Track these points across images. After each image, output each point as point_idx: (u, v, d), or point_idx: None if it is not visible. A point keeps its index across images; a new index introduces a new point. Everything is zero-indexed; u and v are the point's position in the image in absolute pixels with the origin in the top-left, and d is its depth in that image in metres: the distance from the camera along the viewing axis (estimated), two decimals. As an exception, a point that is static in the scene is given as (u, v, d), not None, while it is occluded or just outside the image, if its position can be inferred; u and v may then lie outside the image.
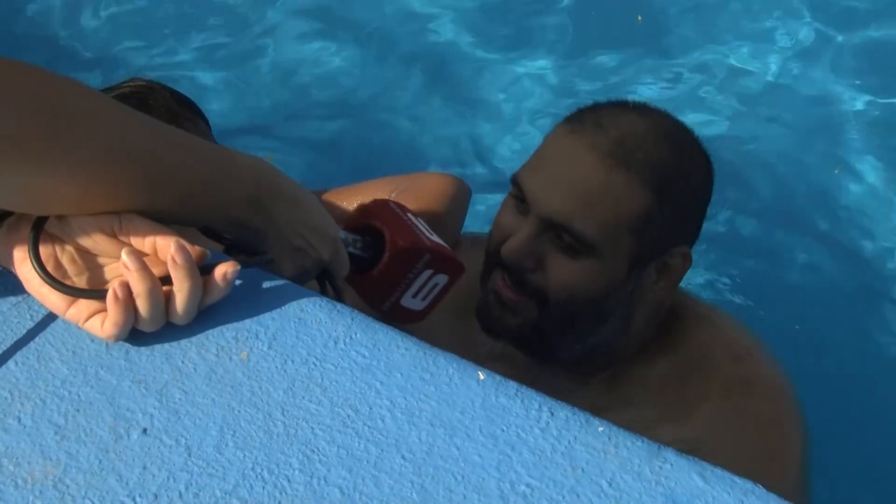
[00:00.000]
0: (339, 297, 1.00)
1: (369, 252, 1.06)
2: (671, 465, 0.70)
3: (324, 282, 0.99)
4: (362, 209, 1.11)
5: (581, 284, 1.17)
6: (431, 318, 1.16)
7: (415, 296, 1.09)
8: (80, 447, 0.72)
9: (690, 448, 1.20)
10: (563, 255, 1.16)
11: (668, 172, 1.17)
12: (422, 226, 1.11)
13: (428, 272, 1.08)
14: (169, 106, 1.38)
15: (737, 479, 0.70)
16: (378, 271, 1.05)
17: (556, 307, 1.19)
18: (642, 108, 1.23)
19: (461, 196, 1.51)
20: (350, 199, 1.46)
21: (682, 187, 1.19)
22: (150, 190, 0.77)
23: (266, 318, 0.81)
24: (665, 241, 1.20)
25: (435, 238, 1.10)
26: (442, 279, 1.10)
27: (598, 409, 1.25)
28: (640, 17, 2.52)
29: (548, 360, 1.28)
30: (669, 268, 1.23)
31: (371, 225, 1.07)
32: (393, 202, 1.13)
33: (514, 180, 1.20)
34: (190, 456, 0.71)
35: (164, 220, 0.79)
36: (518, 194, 1.19)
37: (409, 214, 1.11)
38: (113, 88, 1.43)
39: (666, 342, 1.29)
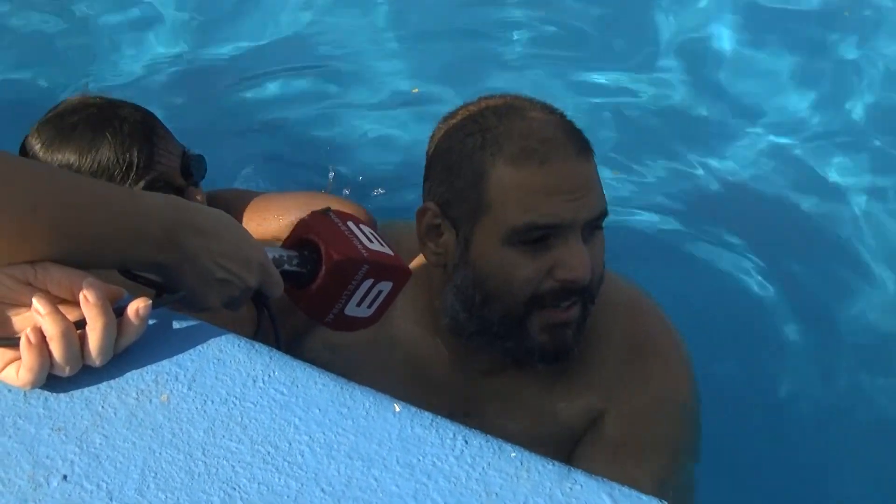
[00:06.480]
0: (272, 319, 1.02)
1: (307, 267, 1.06)
2: (581, 486, 0.74)
3: (259, 305, 1.00)
4: (301, 223, 1.10)
5: (603, 258, 1.25)
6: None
7: (359, 304, 1.09)
8: (-1, 497, 0.72)
9: (598, 414, 1.28)
10: (594, 244, 1.22)
11: (579, 130, 1.25)
12: (364, 234, 1.10)
13: (369, 282, 1.07)
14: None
15: (643, 497, 0.73)
16: (316, 286, 1.05)
17: (595, 291, 1.24)
18: (529, 104, 1.27)
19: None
20: (253, 210, 1.49)
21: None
22: (59, 241, 0.78)
23: (185, 359, 0.82)
24: None
25: (376, 246, 1.09)
26: (386, 286, 1.10)
27: (519, 390, 1.31)
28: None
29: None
30: None
31: (309, 239, 1.08)
32: (334, 212, 1.12)
33: (532, 226, 1.18)
34: (111, 500, 0.72)
35: (80, 266, 0.80)
36: (540, 235, 1.18)
37: (351, 223, 1.11)
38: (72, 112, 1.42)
39: None
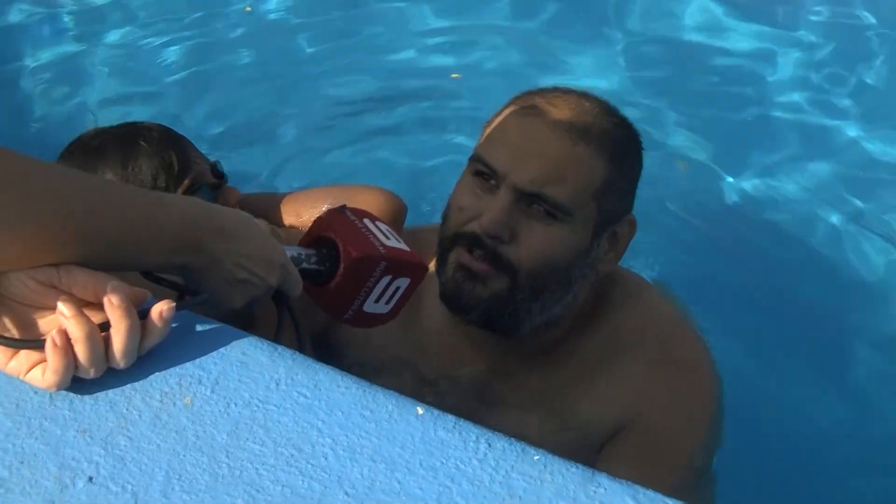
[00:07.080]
0: (293, 318, 1.02)
1: (325, 265, 1.06)
2: (605, 489, 0.73)
3: (280, 304, 1.01)
4: (318, 221, 1.11)
5: (552, 251, 1.23)
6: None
7: (377, 300, 1.10)
8: (24, 499, 0.72)
9: (622, 424, 1.27)
10: (535, 224, 1.22)
11: (621, 143, 1.26)
12: (381, 231, 1.11)
13: (387, 278, 1.08)
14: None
15: (668, 500, 0.73)
16: (335, 284, 1.06)
17: (527, 277, 1.23)
18: (580, 92, 1.30)
19: (395, 214, 1.52)
20: (285, 208, 1.50)
21: (631, 157, 1.29)
22: (84, 245, 0.79)
23: (208, 362, 0.82)
24: (619, 208, 1.28)
25: (393, 243, 1.10)
26: (403, 282, 1.11)
27: (544, 393, 1.30)
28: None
29: (511, 334, 1.30)
30: (618, 237, 1.30)
31: (327, 237, 1.08)
32: (350, 209, 1.13)
33: (478, 157, 1.24)
34: (136, 502, 0.72)
35: (105, 269, 0.81)
36: (483, 170, 1.23)
37: (367, 220, 1.12)
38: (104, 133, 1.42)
39: (596, 316, 1.35)
